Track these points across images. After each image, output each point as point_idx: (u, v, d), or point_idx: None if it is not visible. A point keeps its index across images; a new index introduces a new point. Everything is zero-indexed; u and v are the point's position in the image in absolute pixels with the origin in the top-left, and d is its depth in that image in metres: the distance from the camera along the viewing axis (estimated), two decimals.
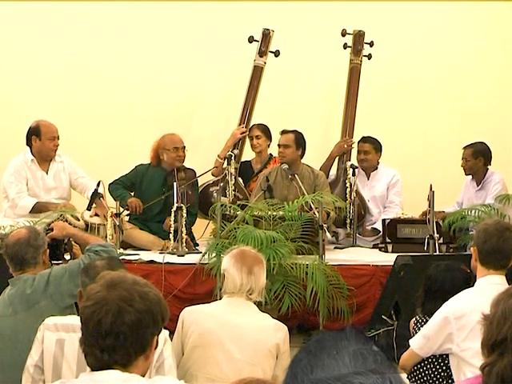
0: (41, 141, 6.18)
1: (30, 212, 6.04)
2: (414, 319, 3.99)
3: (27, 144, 6.24)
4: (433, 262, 4.25)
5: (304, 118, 7.36)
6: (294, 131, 6.44)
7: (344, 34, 6.98)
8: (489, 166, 6.61)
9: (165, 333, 3.07)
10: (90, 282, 3.18)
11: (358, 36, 7.01)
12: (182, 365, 3.48)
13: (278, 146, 6.47)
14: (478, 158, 6.56)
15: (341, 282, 5.55)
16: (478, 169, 6.59)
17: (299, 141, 6.39)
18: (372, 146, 6.85)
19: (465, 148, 6.62)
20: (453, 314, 3.47)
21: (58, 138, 6.23)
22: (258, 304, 3.66)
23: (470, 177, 6.70)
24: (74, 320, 3.07)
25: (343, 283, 5.56)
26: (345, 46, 7.01)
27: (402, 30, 7.79)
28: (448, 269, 4.07)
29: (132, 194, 6.36)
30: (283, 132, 6.48)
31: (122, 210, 5.97)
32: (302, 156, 6.43)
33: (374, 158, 6.89)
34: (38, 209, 6.06)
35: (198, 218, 6.57)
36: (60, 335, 3.09)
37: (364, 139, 6.87)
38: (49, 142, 6.18)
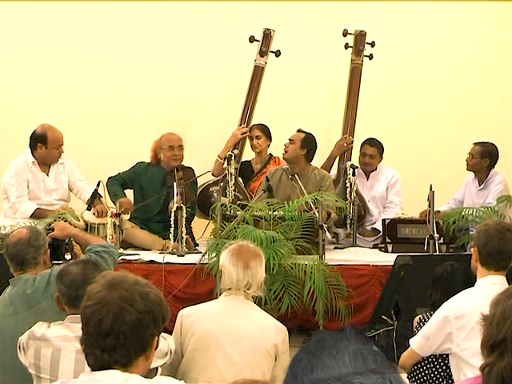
0: (47, 149, 6.14)
1: (30, 217, 6.02)
2: (417, 317, 3.97)
3: (30, 146, 6.20)
4: (433, 262, 4.24)
5: (305, 118, 7.36)
6: (308, 133, 6.43)
7: (345, 34, 6.98)
8: (492, 169, 6.60)
9: None
10: (64, 288, 3.20)
11: (360, 36, 7.01)
12: (182, 368, 3.47)
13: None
14: (484, 159, 6.54)
15: (340, 283, 5.55)
16: (481, 168, 6.57)
17: (307, 142, 6.37)
18: (377, 150, 6.87)
19: (475, 144, 6.59)
20: (453, 313, 3.47)
21: (63, 144, 6.22)
22: (258, 304, 3.66)
23: (473, 176, 6.68)
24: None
25: (342, 284, 5.56)
26: (346, 46, 7.01)
27: (403, 30, 7.80)
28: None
29: (131, 191, 6.36)
30: (297, 130, 6.48)
31: (121, 209, 5.97)
32: (307, 158, 6.40)
33: (377, 162, 6.94)
34: (37, 215, 6.03)
35: (198, 218, 6.58)
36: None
37: (370, 142, 6.87)
38: (55, 150, 6.16)
